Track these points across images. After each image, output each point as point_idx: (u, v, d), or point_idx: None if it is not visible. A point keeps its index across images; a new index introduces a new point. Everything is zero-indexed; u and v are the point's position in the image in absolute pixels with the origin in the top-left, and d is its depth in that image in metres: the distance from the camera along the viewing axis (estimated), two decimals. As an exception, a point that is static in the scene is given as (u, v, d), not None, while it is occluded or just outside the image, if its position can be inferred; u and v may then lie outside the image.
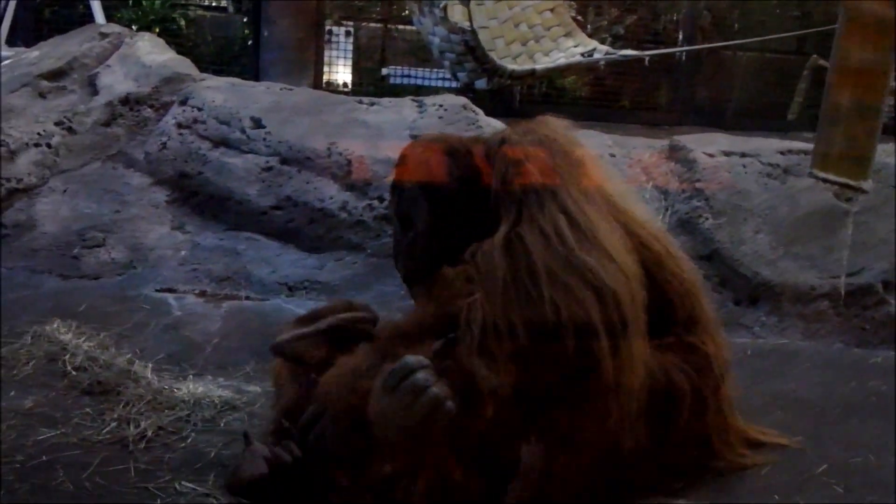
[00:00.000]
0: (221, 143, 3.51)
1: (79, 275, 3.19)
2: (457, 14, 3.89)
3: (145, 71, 3.77)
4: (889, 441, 2.07)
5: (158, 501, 1.73)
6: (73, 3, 6.08)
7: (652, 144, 3.54)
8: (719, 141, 3.51)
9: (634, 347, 1.55)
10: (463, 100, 3.62)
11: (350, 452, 1.59)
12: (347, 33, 6.61)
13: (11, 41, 5.04)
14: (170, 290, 3.11)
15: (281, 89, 3.83)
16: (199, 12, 6.71)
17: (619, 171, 3.28)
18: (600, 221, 1.63)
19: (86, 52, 3.87)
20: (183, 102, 3.63)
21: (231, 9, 6.93)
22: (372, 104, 3.65)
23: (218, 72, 4.62)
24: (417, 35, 5.15)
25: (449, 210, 1.79)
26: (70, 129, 3.60)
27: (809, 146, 3.34)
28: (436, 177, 1.80)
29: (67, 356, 2.39)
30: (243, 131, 3.49)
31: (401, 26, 6.73)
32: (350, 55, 6.62)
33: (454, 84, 4.63)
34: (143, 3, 6.22)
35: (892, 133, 3.29)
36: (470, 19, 3.83)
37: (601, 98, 6.54)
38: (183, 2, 6.55)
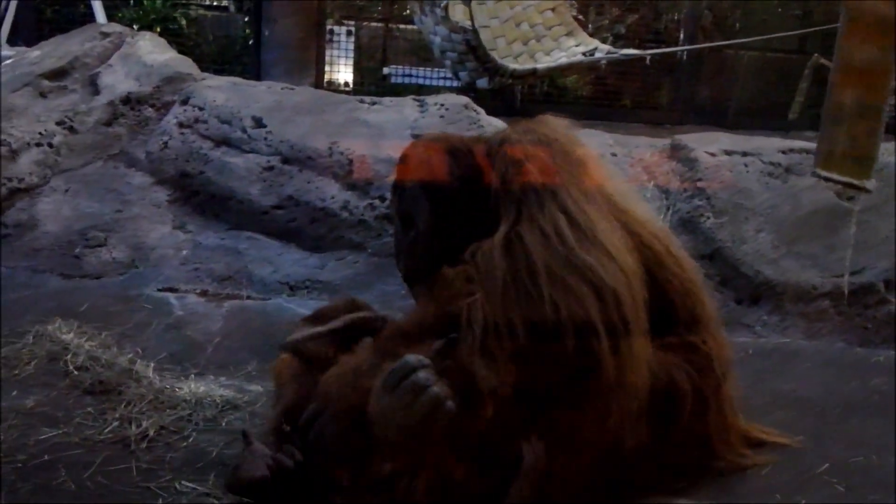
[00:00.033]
0: (223, 142, 3.51)
1: (80, 274, 3.19)
2: (458, 13, 3.89)
3: (147, 70, 3.77)
4: (890, 440, 2.07)
5: (160, 501, 1.73)
6: (75, 3, 6.08)
7: (653, 143, 3.53)
8: (721, 140, 3.51)
9: (635, 346, 1.55)
10: (464, 99, 3.62)
11: (350, 451, 1.59)
12: (349, 32, 6.61)
13: (12, 41, 5.04)
14: (171, 290, 3.11)
15: (282, 89, 3.83)
16: (201, 11, 6.71)
17: (621, 170, 3.28)
18: (600, 221, 1.63)
19: (87, 51, 3.87)
20: (184, 102, 3.63)
21: (232, 8, 6.94)
22: (373, 103, 3.65)
23: (219, 71, 4.62)
24: (419, 34, 5.15)
25: (450, 210, 1.79)
26: (71, 129, 3.60)
27: (811, 145, 3.34)
28: (437, 176, 1.80)
29: (69, 356, 2.39)
30: (245, 131, 3.50)
31: (402, 25, 6.73)
32: (351, 54, 6.62)
33: (455, 83, 4.63)
34: (145, 2, 6.22)
35: (895, 132, 3.29)
36: (471, 18, 3.83)
37: (603, 97, 6.54)
38: (184, 1, 6.56)
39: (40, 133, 3.53)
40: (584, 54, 4.32)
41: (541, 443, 1.53)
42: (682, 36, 6.48)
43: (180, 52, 4.17)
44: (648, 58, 4.99)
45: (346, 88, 6.48)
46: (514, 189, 1.67)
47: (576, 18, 4.78)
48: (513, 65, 4.06)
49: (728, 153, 3.37)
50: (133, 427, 2.02)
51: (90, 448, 1.93)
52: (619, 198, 1.77)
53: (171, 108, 3.64)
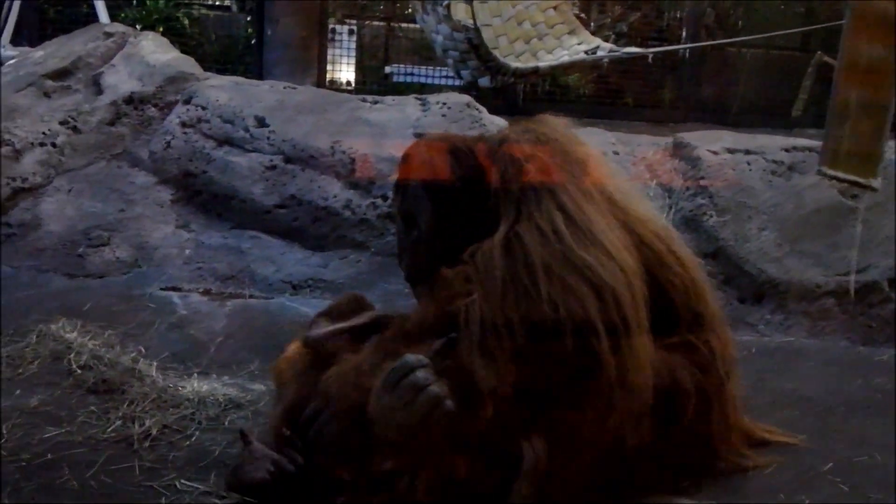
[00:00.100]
0: (225, 141, 3.51)
1: (84, 274, 3.19)
2: (460, 12, 3.88)
3: (149, 70, 3.78)
4: (894, 439, 2.06)
5: (163, 500, 1.73)
6: (78, 3, 6.10)
7: (656, 142, 3.53)
8: (724, 138, 3.50)
9: (636, 345, 1.55)
10: (466, 98, 3.62)
11: (351, 450, 1.59)
12: (351, 32, 6.62)
13: (16, 41, 5.05)
14: (174, 289, 3.11)
15: (284, 88, 3.83)
16: (203, 11, 6.73)
17: (623, 168, 3.28)
18: (599, 220, 1.63)
19: (90, 51, 3.88)
20: (187, 101, 3.64)
21: (235, 8, 6.95)
22: (375, 102, 3.65)
23: (222, 70, 4.63)
24: (421, 33, 5.15)
25: (452, 209, 1.79)
26: (75, 129, 3.61)
27: (814, 143, 3.34)
28: (439, 176, 1.80)
29: (73, 355, 2.39)
30: (247, 130, 3.50)
31: (404, 24, 6.74)
32: (353, 53, 6.63)
33: (458, 82, 4.64)
34: (147, 2, 6.23)
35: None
36: (473, 17, 3.82)
37: (605, 96, 6.54)
38: (187, 1, 6.57)
39: (44, 133, 3.54)
40: (586, 53, 4.32)
41: (542, 442, 1.53)
42: (684, 34, 6.47)
43: (183, 51, 4.18)
44: (651, 56, 4.99)
45: (349, 87, 6.48)
46: (514, 189, 1.67)
47: (578, 17, 4.78)
48: (515, 63, 4.06)
49: (731, 151, 3.36)
50: (136, 426, 2.02)
51: (93, 447, 1.93)
52: (620, 197, 1.77)
53: (174, 108, 3.65)
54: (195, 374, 2.37)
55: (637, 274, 1.60)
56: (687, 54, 6.26)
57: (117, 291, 3.03)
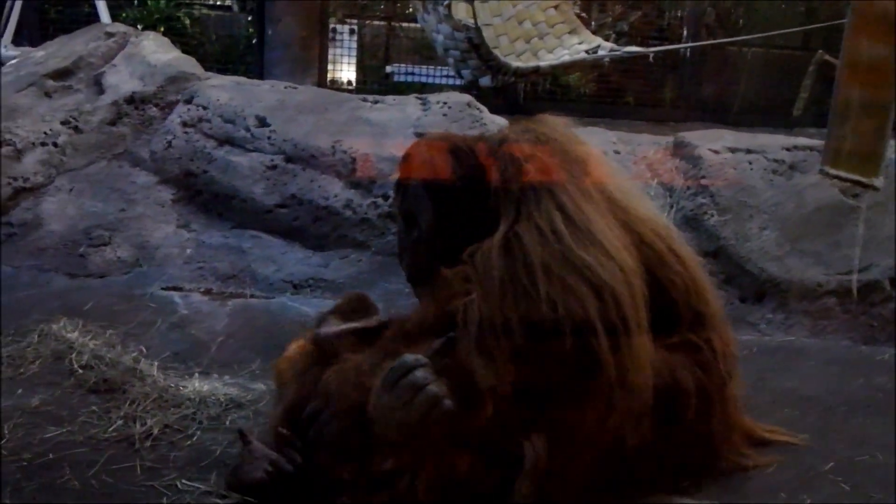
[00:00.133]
0: (226, 141, 3.51)
1: (85, 273, 3.20)
2: (461, 11, 3.88)
3: (150, 70, 3.78)
4: (895, 438, 2.06)
5: (164, 500, 1.73)
6: (79, 3, 6.10)
7: (657, 141, 3.53)
8: (725, 137, 3.50)
9: (635, 344, 1.55)
10: (467, 97, 3.62)
11: (351, 449, 1.59)
12: (351, 31, 6.62)
13: (17, 41, 5.06)
14: (175, 289, 3.11)
15: (285, 87, 3.83)
16: (204, 11, 6.73)
17: (624, 167, 3.28)
18: (598, 219, 1.63)
19: (91, 51, 3.88)
20: (188, 101, 3.64)
21: (235, 7, 6.95)
22: (376, 102, 3.65)
23: (223, 70, 4.63)
24: (421, 33, 5.15)
25: (453, 209, 1.79)
26: (76, 129, 3.61)
27: (815, 142, 3.34)
28: (440, 176, 1.80)
29: (74, 354, 2.39)
30: (248, 130, 3.50)
31: (405, 24, 6.74)
32: (354, 53, 6.63)
33: (458, 81, 4.63)
34: (148, 2, 6.24)
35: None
36: (474, 16, 3.82)
37: (606, 95, 6.54)
38: (188, 1, 6.57)
39: (45, 133, 3.54)
40: (586, 52, 4.31)
41: (542, 441, 1.53)
42: (685, 33, 6.47)
43: (184, 51, 4.18)
44: (651, 55, 4.98)
45: (349, 87, 6.49)
46: (514, 188, 1.67)
47: (578, 16, 4.77)
48: (515, 63, 4.06)
49: (732, 150, 3.36)
50: (137, 426, 2.02)
51: (94, 446, 1.94)
52: (621, 196, 1.77)
53: (175, 108, 3.65)
54: (196, 374, 2.37)
55: (636, 273, 1.60)
56: (688, 53, 6.26)
57: (118, 291, 3.03)
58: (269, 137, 3.47)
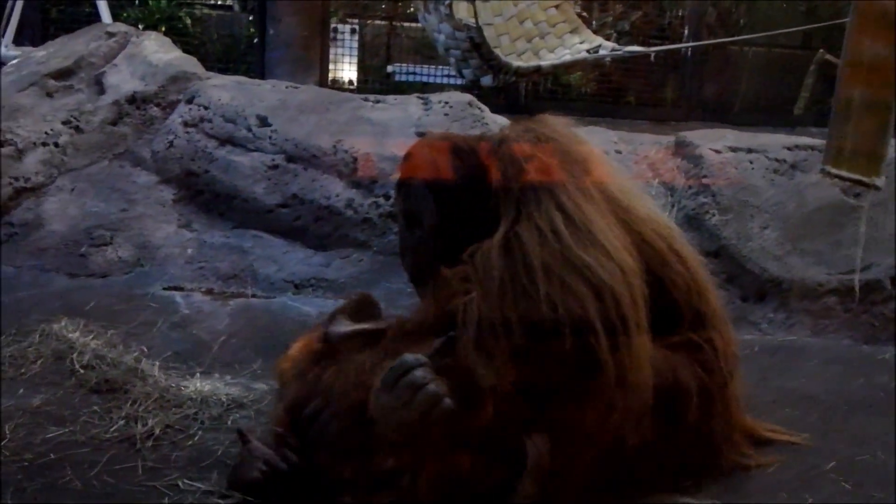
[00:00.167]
0: (228, 141, 3.52)
1: (86, 273, 3.20)
2: (462, 11, 3.88)
3: (152, 70, 3.78)
4: (897, 438, 2.06)
5: (166, 500, 1.73)
6: (80, 3, 6.11)
7: (658, 140, 3.52)
8: (726, 137, 3.49)
9: (635, 344, 1.55)
10: (468, 97, 3.62)
11: (352, 449, 1.59)
12: (353, 31, 6.63)
13: (19, 41, 5.07)
14: (177, 288, 3.11)
15: (287, 87, 3.83)
16: (205, 11, 6.74)
17: (626, 167, 3.28)
18: (598, 219, 1.63)
19: (93, 51, 3.88)
20: (189, 101, 3.64)
21: (237, 7, 6.96)
22: (377, 102, 3.65)
23: (224, 70, 4.64)
24: (423, 32, 5.15)
25: (454, 209, 1.79)
26: (77, 128, 3.61)
27: (816, 141, 3.33)
28: (441, 175, 1.80)
29: (75, 354, 2.39)
30: (249, 129, 3.50)
31: (406, 23, 6.74)
32: (355, 53, 6.64)
33: (459, 81, 4.63)
34: (150, 2, 6.25)
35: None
36: (475, 16, 3.82)
37: (607, 94, 6.54)
38: (189, 0, 6.57)
39: (46, 132, 3.54)
40: (588, 52, 4.31)
41: (544, 441, 1.53)
42: (686, 32, 6.47)
43: (185, 51, 4.18)
44: (653, 55, 4.98)
45: (351, 87, 6.49)
46: (514, 188, 1.67)
47: (580, 16, 4.77)
48: (517, 62, 4.05)
49: (733, 150, 3.36)
50: (139, 426, 2.02)
51: (96, 447, 1.93)
52: (622, 195, 1.77)
53: (177, 108, 3.65)
54: (198, 374, 2.37)
55: (636, 273, 1.60)
56: (689, 53, 6.26)
57: (119, 291, 3.04)
58: (270, 137, 3.47)
